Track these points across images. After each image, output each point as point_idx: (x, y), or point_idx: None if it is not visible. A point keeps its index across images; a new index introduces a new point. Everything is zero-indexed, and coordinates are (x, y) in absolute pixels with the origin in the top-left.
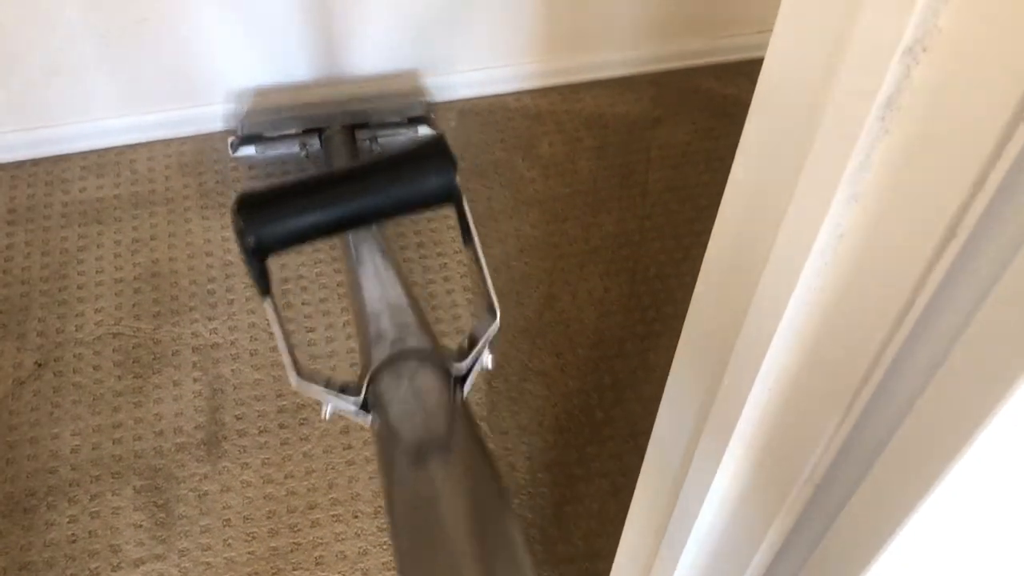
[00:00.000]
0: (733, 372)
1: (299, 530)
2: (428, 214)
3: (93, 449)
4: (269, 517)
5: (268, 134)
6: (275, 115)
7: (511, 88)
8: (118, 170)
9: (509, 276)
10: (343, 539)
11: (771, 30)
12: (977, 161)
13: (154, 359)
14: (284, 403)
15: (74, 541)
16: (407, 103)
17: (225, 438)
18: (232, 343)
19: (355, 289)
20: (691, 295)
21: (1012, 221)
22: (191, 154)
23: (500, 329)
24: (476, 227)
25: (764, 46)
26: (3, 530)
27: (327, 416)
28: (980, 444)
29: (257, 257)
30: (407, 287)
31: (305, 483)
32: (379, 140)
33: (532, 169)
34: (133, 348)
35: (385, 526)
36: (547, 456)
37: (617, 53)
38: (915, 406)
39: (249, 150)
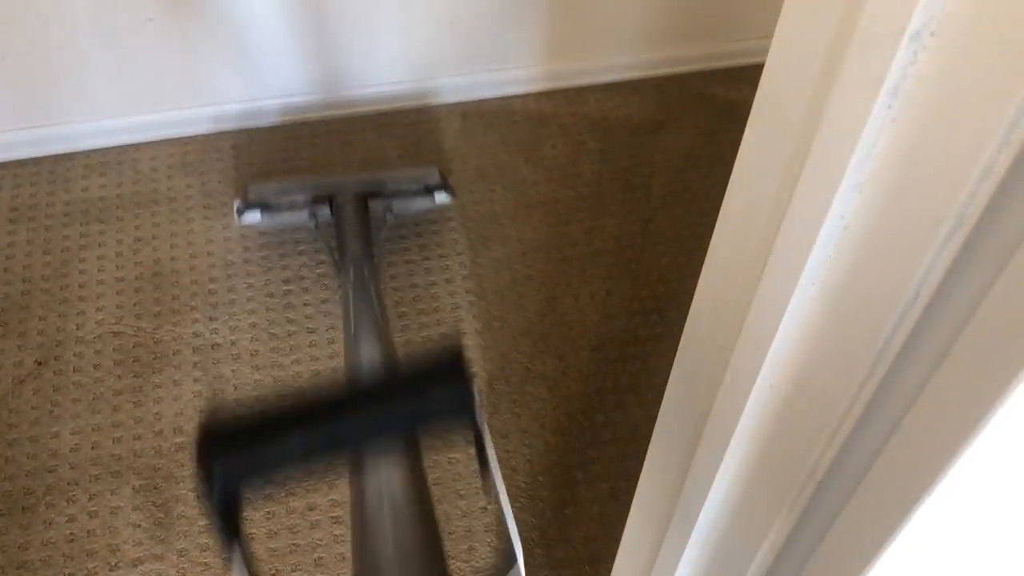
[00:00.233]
0: (735, 369)
1: (298, 531)
2: (429, 215)
3: (92, 448)
4: (268, 518)
5: (275, 201)
6: (283, 180)
7: (515, 91)
8: (121, 169)
9: (511, 278)
10: (342, 541)
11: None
12: (984, 148)
13: (154, 358)
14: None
15: (72, 540)
16: (422, 171)
17: None
18: (233, 343)
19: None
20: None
21: (1019, 210)
22: (194, 154)
23: (502, 332)
24: (478, 230)
25: (768, 51)
26: (1, 528)
27: None
28: (986, 433)
29: (225, 505)
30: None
31: (306, 483)
32: (393, 209)
33: (535, 172)
34: (134, 347)
35: None
36: (548, 459)
37: (621, 57)
38: (920, 398)
39: (255, 217)
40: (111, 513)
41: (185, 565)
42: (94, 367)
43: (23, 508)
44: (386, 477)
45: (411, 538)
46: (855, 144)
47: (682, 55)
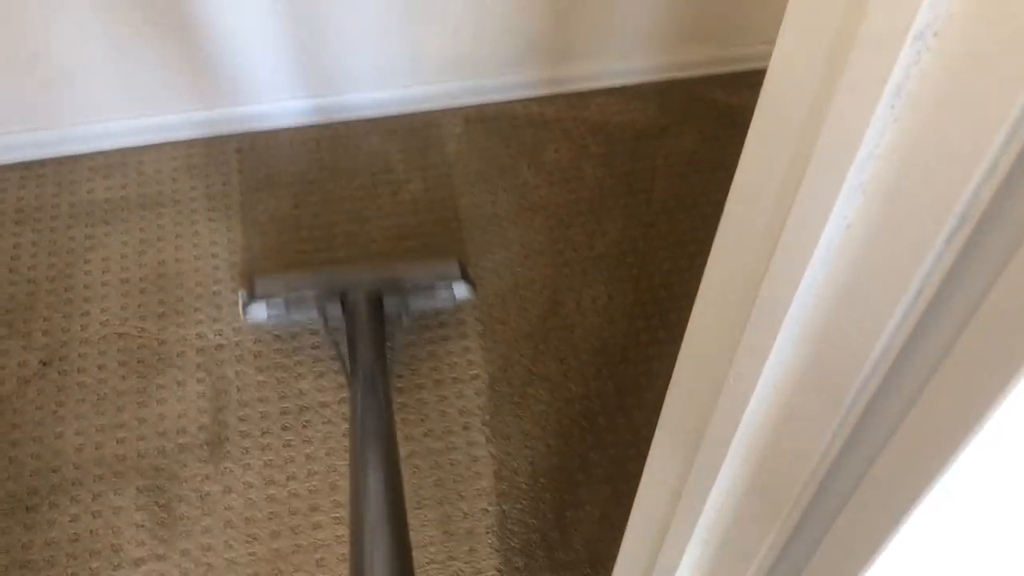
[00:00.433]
0: (738, 369)
1: (301, 532)
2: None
3: (96, 448)
4: (271, 518)
5: (282, 295)
6: (291, 274)
7: (518, 95)
8: (126, 171)
9: (513, 281)
10: (345, 541)
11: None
12: (987, 148)
13: (158, 359)
14: (287, 405)
15: (76, 540)
16: (441, 264)
17: (228, 439)
18: (236, 344)
19: None
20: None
21: (1021, 209)
22: (199, 156)
23: (503, 335)
24: (481, 232)
25: (770, 57)
26: (5, 528)
27: None
28: (987, 430)
29: None
30: None
31: (307, 485)
32: (409, 307)
33: (538, 176)
34: (138, 348)
35: None
36: (549, 461)
37: (624, 62)
38: (922, 396)
39: (260, 313)
40: (114, 513)
41: (188, 565)
42: (98, 368)
43: (27, 508)
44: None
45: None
46: (858, 144)
47: (684, 60)
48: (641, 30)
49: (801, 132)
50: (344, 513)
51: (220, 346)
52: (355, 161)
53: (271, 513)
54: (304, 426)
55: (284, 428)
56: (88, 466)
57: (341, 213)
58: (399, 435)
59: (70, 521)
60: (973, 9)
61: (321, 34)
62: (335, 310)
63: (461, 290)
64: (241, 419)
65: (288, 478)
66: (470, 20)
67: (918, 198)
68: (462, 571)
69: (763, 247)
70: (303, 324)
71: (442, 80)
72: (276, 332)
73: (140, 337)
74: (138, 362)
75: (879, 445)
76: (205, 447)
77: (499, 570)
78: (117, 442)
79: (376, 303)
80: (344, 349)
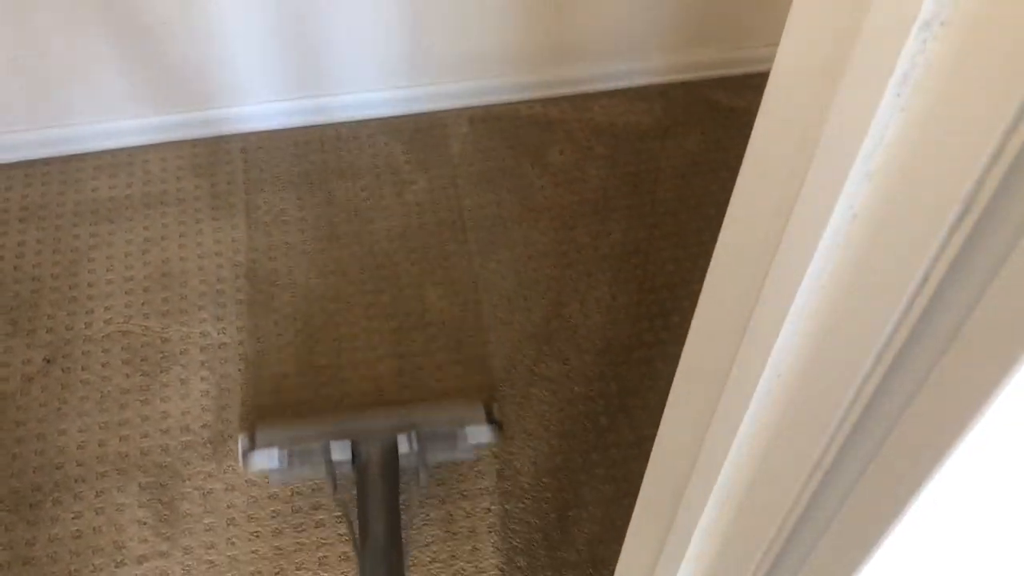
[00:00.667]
0: (743, 359)
1: (303, 530)
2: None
3: (100, 446)
4: (273, 516)
5: (286, 445)
6: (297, 423)
7: (523, 96)
8: (131, 170)
9: (517, 282)
10: (348, 540)
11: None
12: (992, 136)
13: (162, 357)
14: (291, 407)
15: (78, 537)
16: (464, 407)
17: (231, 437)
18: (240, 343)
19: None
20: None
21: None
22: (204, 156)
23: (507, 335)
24: (485, 232)
25: (774, 59)
26: (9, 524)
27: None
28: (990, 415)
29: None
30: None
31: (310, 483)
32: (428, 463)
33: (542, 177)
34: (142, 346)
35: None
36: (552, 461)
37: (628, 64)
38: (927, 383)
39: (262, 462)
40: (117, 510)
41: (190, 562)
42: (102, 366)
43: (30, 504)
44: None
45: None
46: (865, 133)
47: (688, 62)
48: (645, 32)
49: (808, 122)
50: (347, 509)
51: (224, 344)
52: (359, 161)
53: (274, 511)
54: None
55: None
56: (91, 463)
57: (345, 213)
58: None
59: (73, 518)
60: None
61: (326, 34)
62: (345, 464)
63: (485, 435)
64: (244, 418)
65: None
66: (475, 21)
67: (924, 187)
68: (464, 570)
69: (769, 238)
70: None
71: (447, 81)
72: (279, 331)
73: (144, 335)
74: (142, 360)
75: (883, 436)
76: (208, 445)
77: (501, 569)
78: (120, 439)
79: (391, 454)
80: (353, 518)
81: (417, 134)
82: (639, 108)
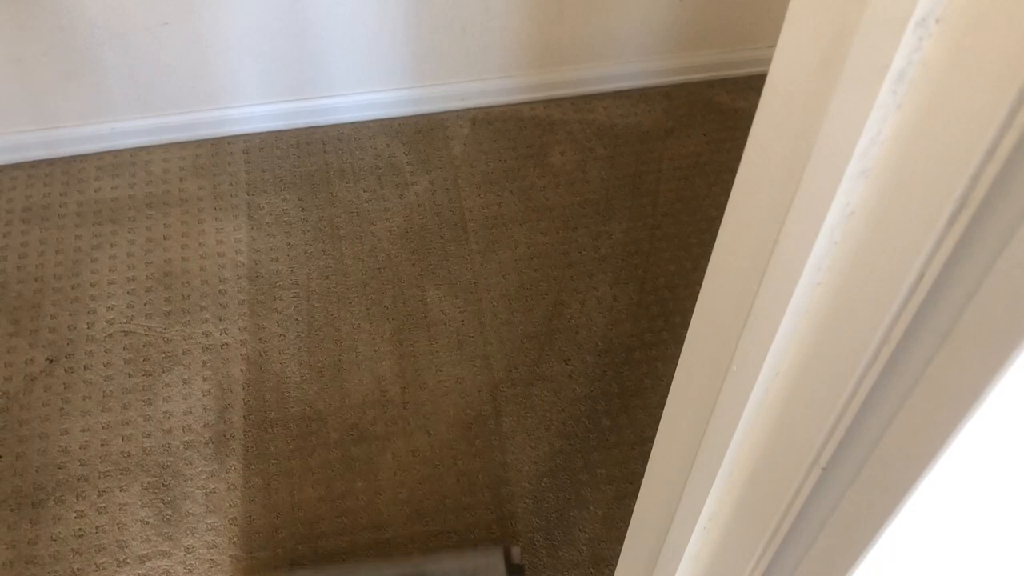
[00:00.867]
0: (742, 356)
1: (305, 540)
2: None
3: (102, 445)
4: (276, 518)
5: None
6: (301, 568)
7: (524, 98)
8: (133, 171)
9: (519, 282)
10: (350, 539)
11: None
12: (987, 132)
13: (164, 358)
14: (293, 406)
15: (81, 536)
16: (484, 556)
17: (233, 437)
18: (242, 343)
19: None
20: None
21: (1020, 193)
22: (206, 156)
23: (509, 335)
24: (487, 233)
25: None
26: (11, 523)
27: None
28: (985, 409)
29: None
30: None
31: (313, 490)
32: None
33: (543, 177)
34: (144, 346)
35: (392, 537)
36: (553, 461)
37: (630, 65)
38: (923, 378)
39: None
40: (120, 510)
41: (192, 562)
42: (105, 365)
43: (33, 504)
44: None
45: None
46: (861, 130)
47: (690, 63)
48: (647, 34)
49: (805, 119)
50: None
51: (226, 344)
52: (361, 162)
53: (276, 514)
54: (310, 430)
55: (290, 429)
56: (94, 463)
57: (347, 214)
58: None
59: (76, 517)
60: None
61: (328, 35)
62: None
63: None
64: (246, 418)
65: (294, 480)
66: (477, 22)
67: (920, 184)
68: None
69: (767, 235)
70: None
71: (449, 82)
72: (281, 332)
73: (146, 335)
74: (144, 360)
75: (879, 433)
76: (210, 445)
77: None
78: (123, 439)
79: None
80: None
81: (419, 135)
82: (641, 109)
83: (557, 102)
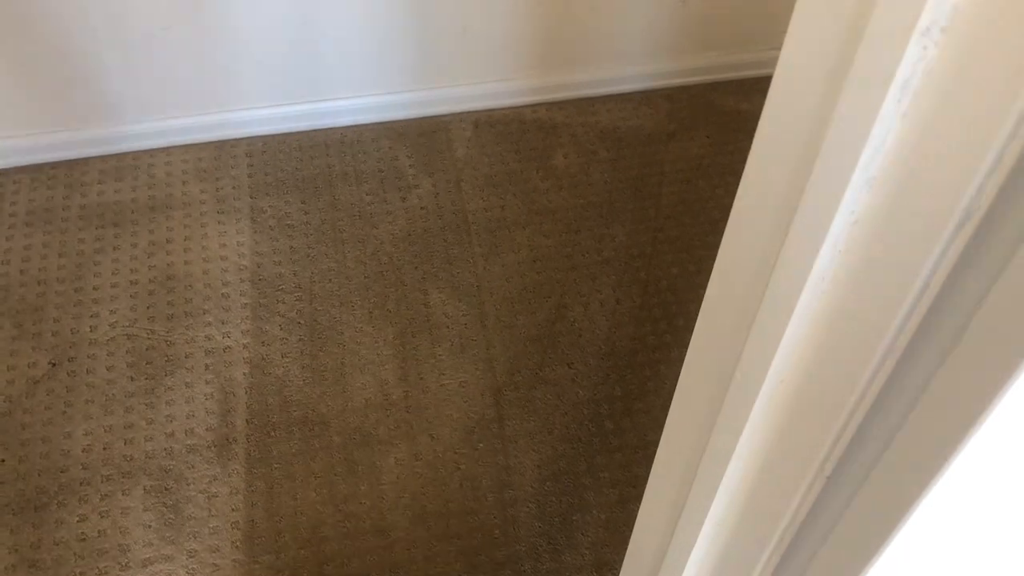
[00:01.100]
0: (746, 364)
1: (308, 544)
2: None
3: (104, 449)
4: (278, 522)
5: None
6: None
7: (527, 100)
8: (136, 174)
9: (521, 285)
10: (352, 538)
11: None
12: (992, 142)
13: (167, 361)
14: (295, 410)
15: (83, 540)
16: None
17: (235, 440)
18: (245, 347)
19: None
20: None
21: None
22: (208, 160)
23: (511, 338)
24: (490, 235)
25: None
26: (14, 527)
27: None
28: (992, 419)
29: None
30: None
31: (316, 494)
32: None
33: (546, 180)
34: (146, 350)
35: (395, 541)
36: (556, 465)
37: (633, 68)
38: (929, 388)
39: None
40: (122, 513)
41: (195, 566)
42: (107, 369)
43: (35, 507)
44: None
45: None
46: (866, 139)
47: (693, 66)
48: (650, 36)
49: (809, 128)
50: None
51: (228, 348)
52: (364, 165)
53: (279, 518)
54: (313, 433)
55: (292, 432)
56: (96, 466)
57: (349, 217)
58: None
59: (78, 521)
60: (978, 4)
61: (331, 38)
62: None
63: None
64: (249, 422)
65: (297, 484)
66: (479, 25)
67: (924, 192)
68: (465, 575)
69: (771, 243)
70: None
71: (451, 85)
72: (284, 335)
73: (149, 339)
74: (147, 363)
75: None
76: (213, 448)
77: (506, 574)
78: (125, 443)
79: None
80: None
81: (421, 138)
82: (644, 112)
83: (560, 105)
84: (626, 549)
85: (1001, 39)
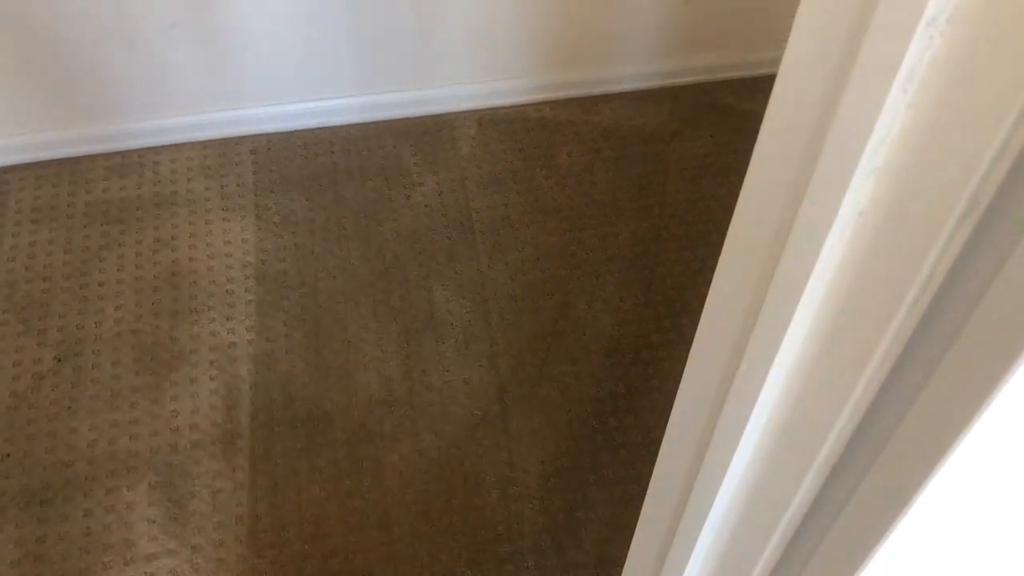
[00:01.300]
0: (751, 355)
1: (311, 540)
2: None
3: (109, 444)
4: (283, 517)
5: None
6: None
7: (531, 99)
8: (141, 171)
9: (526, 283)
10: (354, 537)
11: None
12: (998, 131)
13: (172, 357)
14: (299, 406)
15: (88, 534)
16: None
17: (240, 436)
18: (249, 343)
19: None
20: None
21: None
22: (214, 157)
23: (516, 335)
24: (494, 233)
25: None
26: (19, 521)
27: None
28: (994, 408)
29: None
30: None
31: (320, 489)
32: None
33: (550, 178)
34: (151, 345)
35: (399, 537)
36: (560, 462)
37: (637, 66)
38: (932, 379)
39: None
40: (127, 508)
41: (199, 560)
42: (112, 364)
43: (40, 502)
44: None
45: None
46: (871, 129)
47: (697, 65)
48: (654, 35)
49: (815, 119)
50: (355, 504)
51: (233, 344)
52: (368, 163)
53: (282, 513)
54: (317, 431)
55: (297, 428)
56: (101, 461)
57: (354, 214)
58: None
59: (83, 515)
60: None
61: (335, 37)
62: None
63: None
64: (253, 417)
65: (300, 480)
66: (484, 23)
67: (930, 183)
68: (469, 571)
69: (776, 236)
70: None
71: (455, 83)
72: (288, 332)
73: (154, 335)
74: (151, 359)
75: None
76: (217, 444)
77: (509, 570)
78: (130, 438)
79: None
80: None
81: (425, 136)
82: (648, 110)
83: (564, 103)
84: (630, 546)
85: (1007, 29)
